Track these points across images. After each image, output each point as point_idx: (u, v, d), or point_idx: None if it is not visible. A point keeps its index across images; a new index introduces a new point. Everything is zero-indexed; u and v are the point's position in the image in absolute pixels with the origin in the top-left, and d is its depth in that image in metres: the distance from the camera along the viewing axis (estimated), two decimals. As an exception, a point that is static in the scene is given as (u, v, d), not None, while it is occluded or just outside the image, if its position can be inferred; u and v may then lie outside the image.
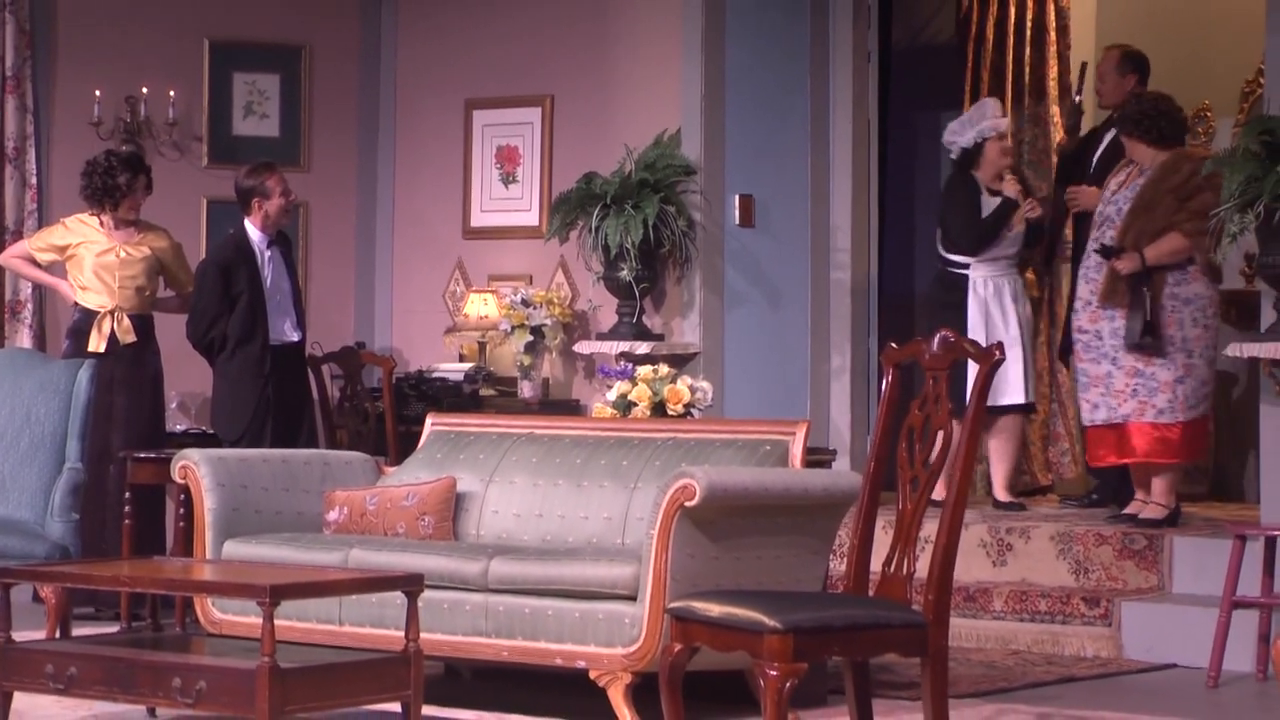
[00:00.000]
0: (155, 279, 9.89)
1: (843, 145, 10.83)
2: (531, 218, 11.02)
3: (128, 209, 9.78)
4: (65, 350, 9.78)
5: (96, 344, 9.64)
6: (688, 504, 6.86)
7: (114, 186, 9.73)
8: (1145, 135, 9.44)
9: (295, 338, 9.82)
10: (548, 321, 10.61)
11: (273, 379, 9.64)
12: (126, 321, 9.69)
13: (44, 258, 9.89)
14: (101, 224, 9.78)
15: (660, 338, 10.39)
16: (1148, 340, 9.24)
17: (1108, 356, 9.42)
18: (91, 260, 9.72)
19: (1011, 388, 10.10)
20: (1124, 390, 9.36)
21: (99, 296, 9.71)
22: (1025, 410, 10.36)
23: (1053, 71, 11.62)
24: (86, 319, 9.72)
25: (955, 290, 10.20)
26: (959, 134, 10.25)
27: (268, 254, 9.73)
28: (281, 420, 9.64)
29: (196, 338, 9.71)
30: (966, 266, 10.19)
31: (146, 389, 9.74)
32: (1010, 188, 10.20)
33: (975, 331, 10.04)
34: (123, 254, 9.74)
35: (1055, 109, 11.56)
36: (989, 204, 10.18)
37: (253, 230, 9.72)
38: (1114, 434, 9.46)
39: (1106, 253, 9.34)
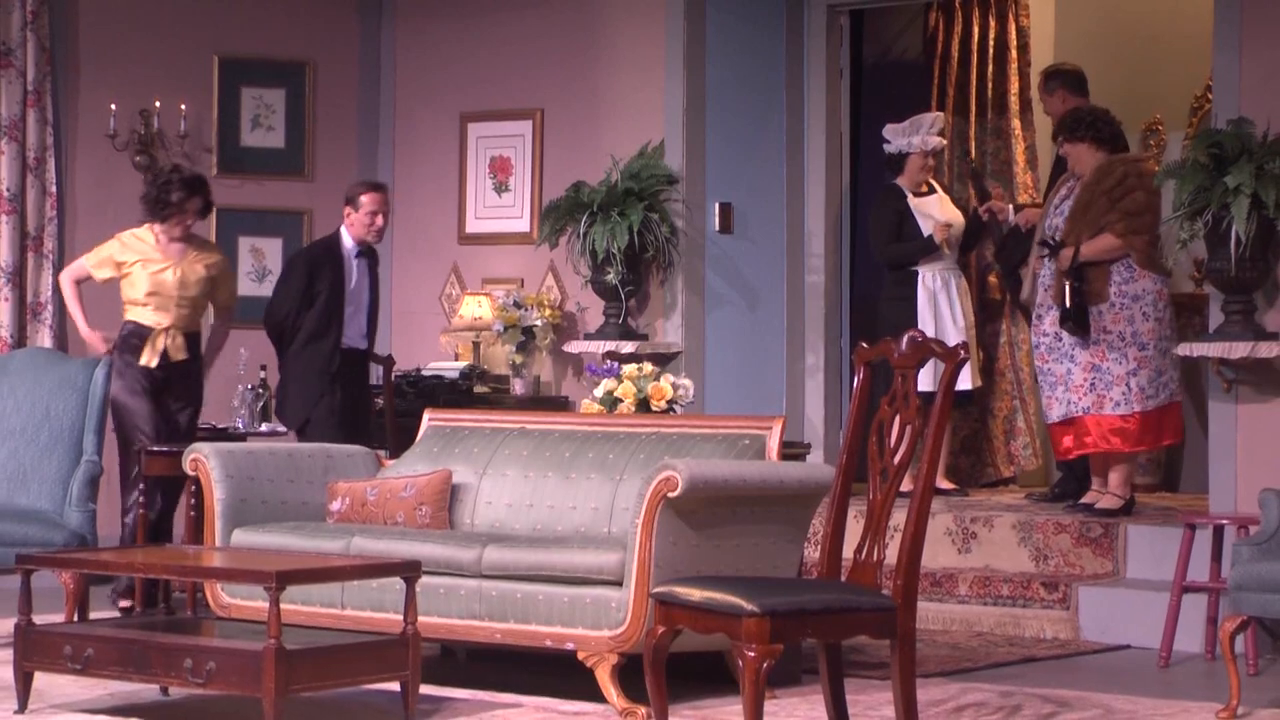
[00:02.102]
0: (207, 297, 9.56)
1: (816, 156, 10.83)
2: (523, 224, 11.01)
3: (174, 225, 9.39)
4: (113, 359, 9.22)
5: (149, 359, 9.30)
6: (670, 494, 6.86)
7: (165, 202, 9.37)
8: (1092, 135, 9.50)
9: (363, 346, 9.66)
10: (538, 322, 10.61)
11: (339, 379, 9.51)
12: (180, 339, 9.36)
13: (101, 274, 9.47)
14: (156, 241, 9.41)
15: (644, 338, 10.38)
16: (1069, 325, 9.34)
17: (1067, 355, 9.46)
18: (147, 279, 9.32)
19: (961, 377, 10.23)
20: (1082, 385, 9.40)
21: (155, 314, 9.34)
22: (966, 399, 10.52)
23: (1014, 87, 11.65)
24: (138, 332, 9.34)
25: (906, 285, 10.29)
26: (891, 139, 10.40)
27: (355, 262, 9.60)
28: (346, 419, 9.51)
29: (271, 323, 9.60)
30: (915, 263, 10.30)
31: (194, 397, 9.46)
32: (939, 233, 10.31)
33: (925, 322, 10.14)
34: (179, 273, 9.36)
35: (1017, 122, 11.59)
36: (916, 206, 10.30)
37: (345, 236, 9.59)
38: (1073, 427, 9.49)
39: (1050, 247, 9.44)
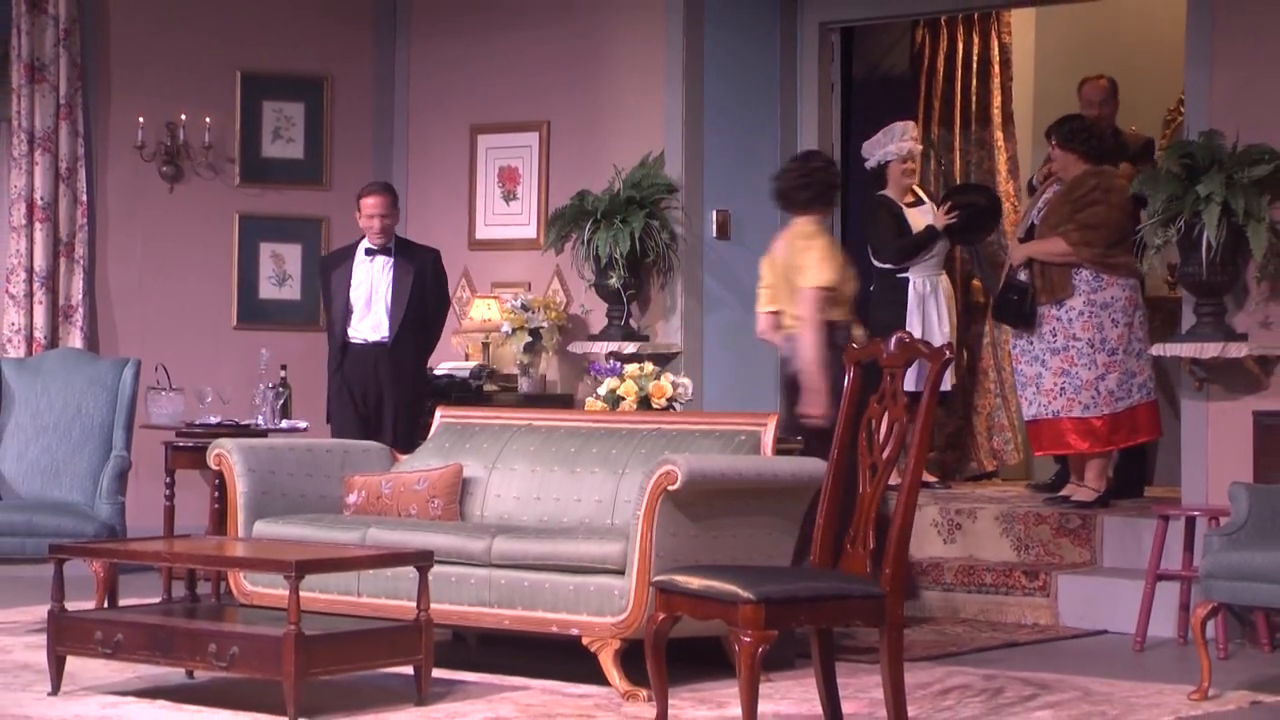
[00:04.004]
0: None
1: (809, 166, 10.81)
2: (530, 231, 11.00)
3: (831, 207, 8.66)
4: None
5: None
6: (670, 488, 6.86)
7: (833, 184, 8.52)
8: (1084, 150, 9.48)
9: (376, 338, 9.51)
10: (545, 324, 10.60)
11: (351, 373, 9.42)
12: None
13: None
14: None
15: (645, 339, 10.38)
16: (1000, 315, 9.71)
17: (1039, 359, 9.46)
18: (852, 277, 8.45)
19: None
20: (1053, 389, 9.41)
21: (847, 311, 8.38)
22: (944, 399, 10.52)
23: (996, 100, 11.65)
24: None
25: (898, 290, 10.27)
26: (868, 155, 10.37)
27: (369, 260, 9.50)
28: (363, 412, 9.40)
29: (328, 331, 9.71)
30: (905, 270, 10.28)
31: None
32: (940, 219, 10.30)
33: (912, 324, 10.13)
34: None
35: (999, 134, 11.59)
36: (910, 214, 10.28)
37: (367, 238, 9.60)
38: (1048, 427, 9.49)
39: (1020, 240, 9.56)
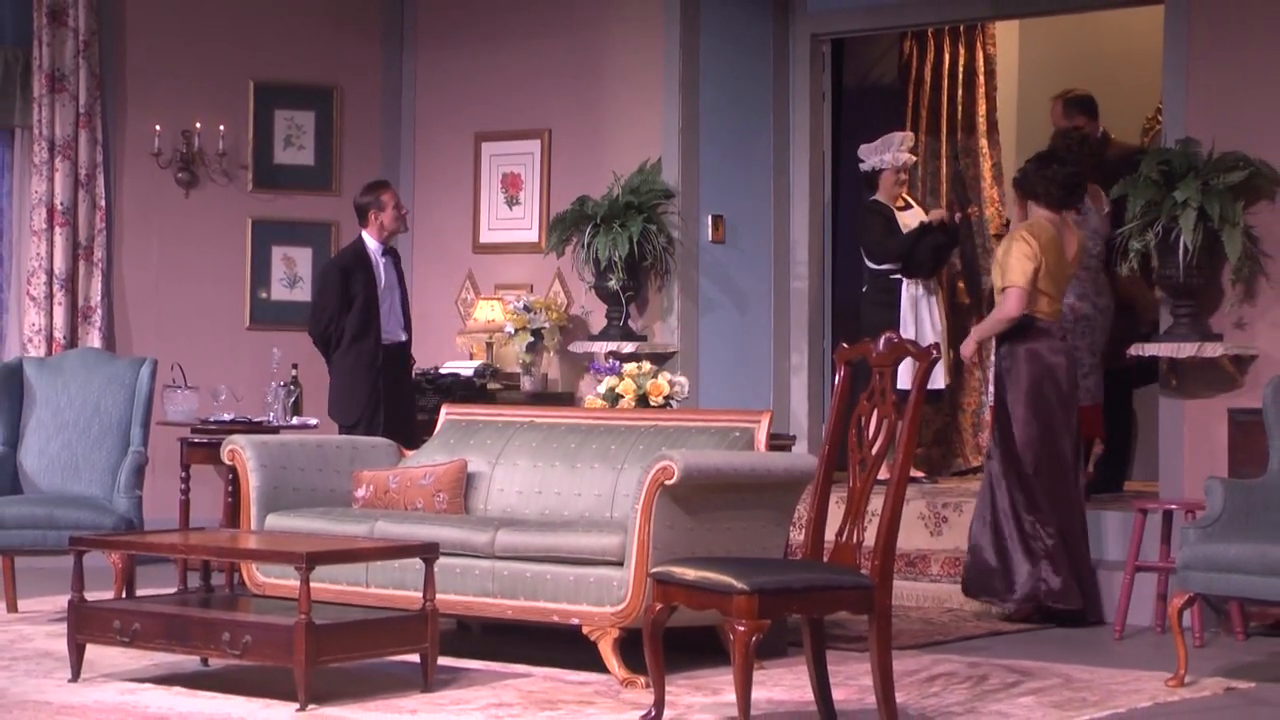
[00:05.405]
0: None
1: (801, 172, 10.83)
2: (532, 235, 11.01)
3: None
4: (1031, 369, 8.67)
5: None
6: (667, 482, 6.86)
7: (1083, 178, 8.91)
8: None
9: (403, 338, 9.51)
10: (546, 325, 10.61)
11: (383, 373, 9.36)
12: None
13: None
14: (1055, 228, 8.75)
15: (643, 339, 10.38)
16: None
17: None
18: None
19: (935, 376, 10.22)
20: None
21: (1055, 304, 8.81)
22: (938, 396, 10.49)
23: (981, 109, 11.65)
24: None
25: (890, 291, 10.27)
26: (865, 158, 10.37)
27: (382, 261, 9.40)
28: (392, 410, 9.33)
29: (317, 333, 9.35)
30: (898, 272, 10.28)
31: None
32: (935, 215, 10.30)
33: (905, 324, 10.11)
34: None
35: (984, 141, 11.60)
36: (901, 217, 10.28)
37: (369, 240, 9.39)
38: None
39: None
